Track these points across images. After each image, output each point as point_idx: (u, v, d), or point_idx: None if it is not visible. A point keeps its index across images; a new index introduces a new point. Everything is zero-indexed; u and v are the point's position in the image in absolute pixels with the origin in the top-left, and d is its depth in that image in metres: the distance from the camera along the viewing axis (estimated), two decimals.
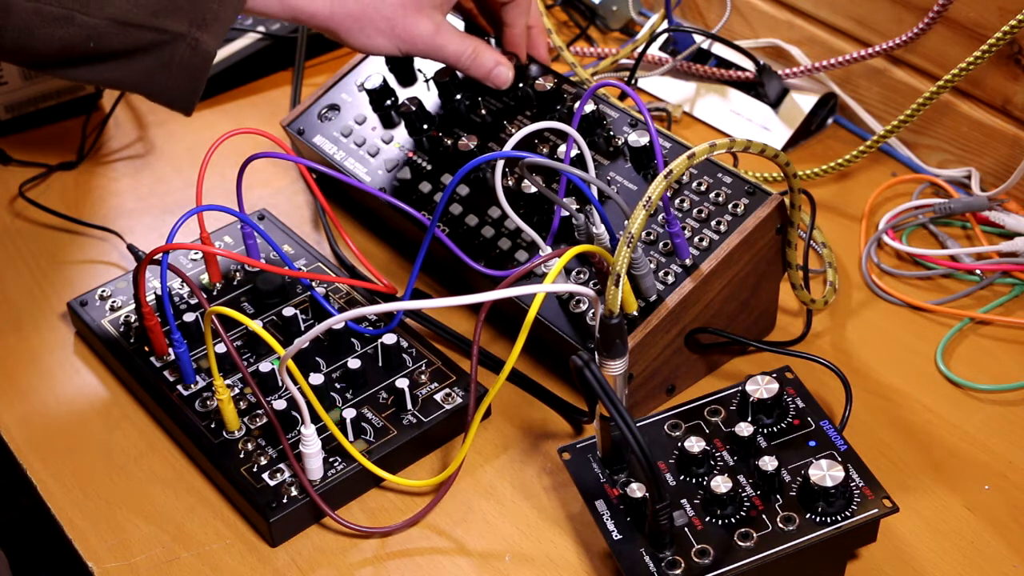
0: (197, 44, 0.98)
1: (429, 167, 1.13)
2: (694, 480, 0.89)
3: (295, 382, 0.90)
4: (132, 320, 1.08)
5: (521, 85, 1.14)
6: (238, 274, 1.12)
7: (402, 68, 1.20)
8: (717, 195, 1.01)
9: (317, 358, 1.04)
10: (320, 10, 1.04)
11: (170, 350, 1.04)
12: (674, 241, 0.98)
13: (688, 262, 0.99)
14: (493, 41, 1.15)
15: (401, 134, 1.16)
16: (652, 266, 0.99)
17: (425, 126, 1.15)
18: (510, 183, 1.08)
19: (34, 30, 0.95)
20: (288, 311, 1.06)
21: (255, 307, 1.09)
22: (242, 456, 0.97)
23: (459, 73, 1.16)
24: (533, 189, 1.05)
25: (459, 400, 1.00)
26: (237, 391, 1.02)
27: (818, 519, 0.85)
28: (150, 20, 0.97)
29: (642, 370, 0.99)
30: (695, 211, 1.01)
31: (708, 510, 0.87)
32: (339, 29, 1.05)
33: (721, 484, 0.86)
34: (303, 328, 1.06)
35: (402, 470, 0.99)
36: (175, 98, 1.01)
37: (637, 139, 1.04)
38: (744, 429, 0.90)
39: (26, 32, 0.95)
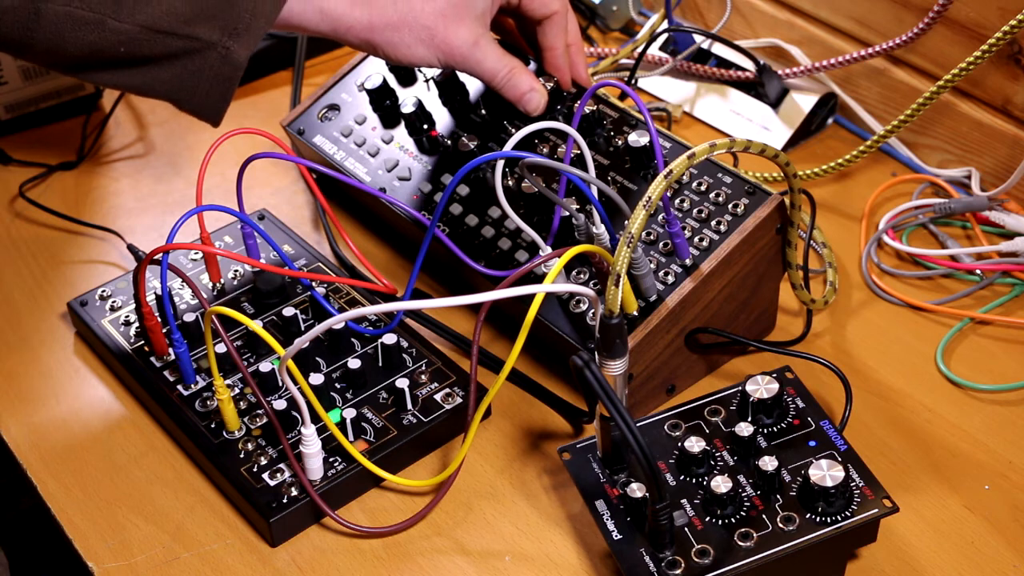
0: (228, 53, 0.98)
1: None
2: (694, 480, 0.89)
3: (295, 382, 0.90)
4: (132, 320, 1.08)
5: None
6: (238, 274, 1.12)
7: (402, 68, 1.20)
8: (717, 195, 1.01)
9: (317, 358, 1.04)
10: (359, 20, 1.02)
11: (170, 350, 1.04)
12: (674, 241, 0.98)
13: (688, 262, 0.99)
14: (533, 65, 1.14)
15: (401, 134, 1.16)
16: (652, 266, 0.99)
17: (425, 126, 1.15)
18: (510, 183, 1.08)
19: (65, 34, 0.95)
20: (288, 311, 1.06)
21: (255, 307, 1.09)
22: (242, 456, 0.97)
23: (460, 77, 1.16)
24: (533, 189, 1.05)
25: (459, 400, 1.00)
26: (237, 391, 1.02)
27: (818, 519, 0.85)
28: (182, 28, 0.97)
29: (642, 370, 0.99)
30: (695, 211, 1.01)
31: (708, 510, 0.87)
32: (379, 40, 1.03)
33: (721, 484, 0.86)
34: (303, 328, 1.06)
35: (402, 470, 0.99)
36: (203, 107, 1.01)
37: (637, 139, 1.04)
38: (744, 429, 0.90)
39: (57, 35, 0.95)
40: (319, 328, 0.86)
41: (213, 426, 1.00)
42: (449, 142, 1.14)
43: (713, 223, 1.00)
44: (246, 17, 0.98)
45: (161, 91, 1.00)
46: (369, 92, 1.19)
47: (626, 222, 0.88)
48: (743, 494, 0.87)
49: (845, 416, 0.98)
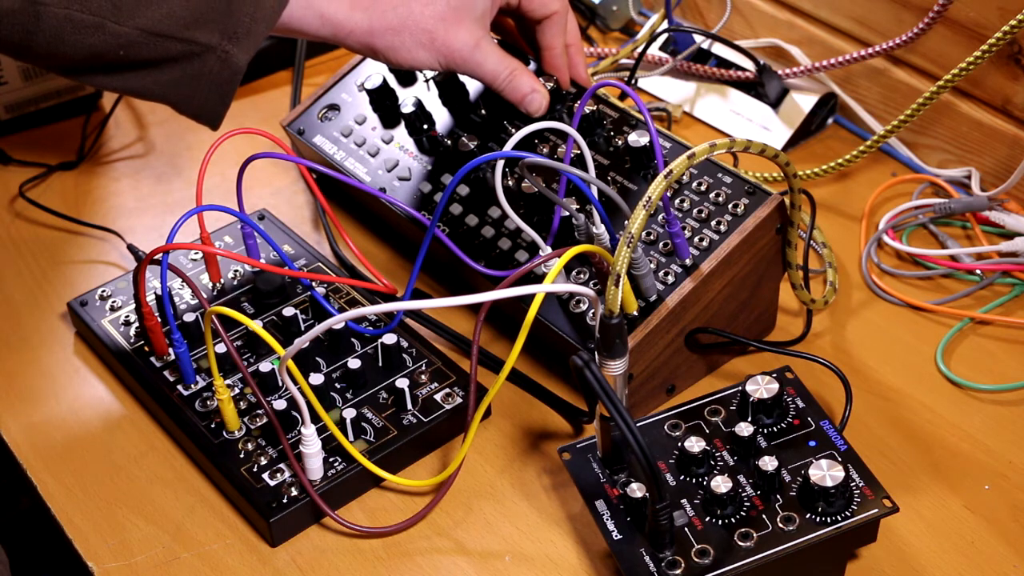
0: (227, 57, 0.98)
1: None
2: (694, 480, 0.89)
3: (295, 382, 0.90)
4: (132, 320, 1.08)
5: None
6: (238, 274, 1.12)
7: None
8: (717, 195, 1.01)
9: (317, 358, 1.04)
10: (359, 24, 1.03)
11: (170, 350, 1.04)
12: (674, 241, 0.98)
13: (688, 262, 0.99)
14: (533, 65, 1.14)
15: (401, 134, 1.16)
16: (652, 266, 0.99)
17: (425, 126, 1.15)
18: (510, 183, 1.08)
19: (65, 37, 0.95)
20: (288, 311, 1.06)
21: (255, 307, 1.09)
22: (242, 456, 0.97)
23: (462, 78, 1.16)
24: (533, 189, 1.05)
25: (459, 400, 1.00)
26: (237, 391, 1.02)
27: (818, 519, 0.85)
28: (181, 32, 0.97)
29: (642, 370, 0.99)
30: (695, 211, 1.01)
31: (708, 510, 0.87)
32: (380, 44, 1.03)
33: (721, 484, 0.86)
34: (303, 328, 1.06)
35: (402, 470, 0.99)
36: (202, 111, 1.01)
37: (637, 139, 1.04)
38: (744, 429, 0.90)
39: (56, 38, 0.96)
40: (319, 328, 0.86)
41: (213, 426, 0.99)
42: (449, 142, 1.14)
43: (713, 223, 1.00)
44: (246, 21, 0.98)
45: (160, 94, 1.01)
46: (369, 92, 1.19)
47: (626, 222, 0.88)
48: (743, 494, 0.87)
49: (845, 416, 0.98)
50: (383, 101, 1.19)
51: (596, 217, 0.98)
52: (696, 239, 1.00)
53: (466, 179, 1.11)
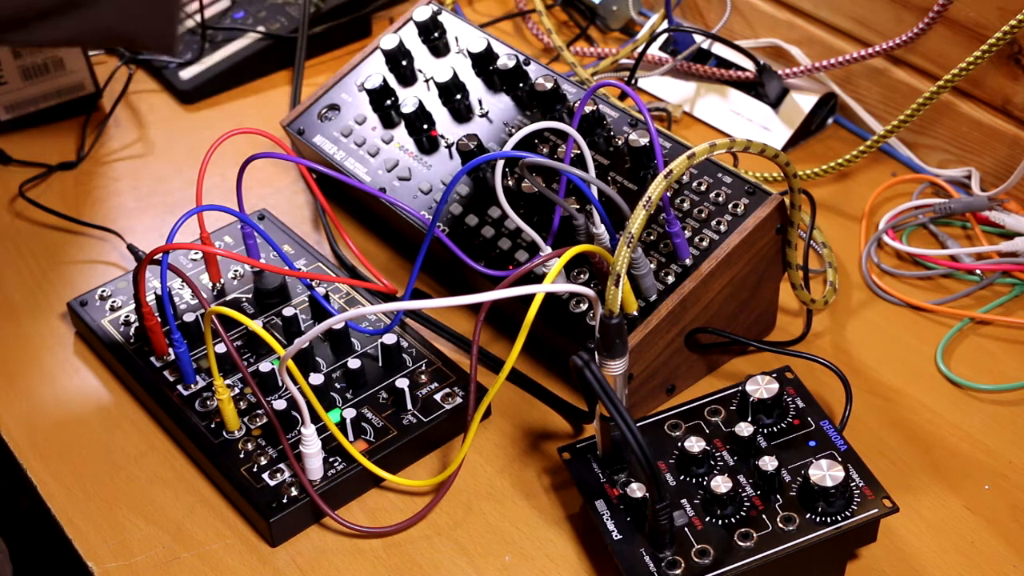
0: None
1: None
2: (694, 480, 0.89)
3: (295, 382, 0.90)
4: (132, 320, 1.08)
5: (521, 85, 1.14)
6: (238, 274, 1.12)
7: (402, 68, 1.20)
8: (717, 195, 1.01)
9: (317, 358, 1.04)
10: None
11: (170, 350, 1.04)
12: (674, 241, 0.98)
13: (688, 262, 0.99)
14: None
15: (401, 134, 1.17)
16: (652, 266, 0.99)
17: (425, 126, 1.15)
18: (510, 183, 1.08)
19: None
20: (288, 311, 1.06)
21: (255, 307, 1.09)
22: (242, 456, 0.97)
23: (459, 74, 1.16)
24: (533, 189, 1.05)
25: (459, 400, 1.00)
26: (237, 391, 1.02)
27: (818, 519, 0.85)
28: None
29: (642, 370, 0.99)
30: (695, 211, 1.01)
31: (708, 510, 0.87)
32: None
33: (721, 484, 0.86)
34: (303, 328, 1.06)
35: (402, 470, 0.99)
36: (151, 37, 0.92)
37: (637, 139, 1.04)
38: (744, 429, 0.90)
39: None
40: (319, 328, 0.86)
41: (213, 426, 1.00)
42: (449, 142, 1.14)
43: (713, 223, 1.00)
44: None
45: (103, 32, 0.89)
46: (369, 92, 1.19)
47: (626, 222, 0.88)
48: (743, 494, 0.88)
49: (845, 416, 0.98)
50: (383, 101, 1.19)
51: (596, 217, 0.98)
52: (696, 239, 1.00)
53: (466, 179, 1.11)
